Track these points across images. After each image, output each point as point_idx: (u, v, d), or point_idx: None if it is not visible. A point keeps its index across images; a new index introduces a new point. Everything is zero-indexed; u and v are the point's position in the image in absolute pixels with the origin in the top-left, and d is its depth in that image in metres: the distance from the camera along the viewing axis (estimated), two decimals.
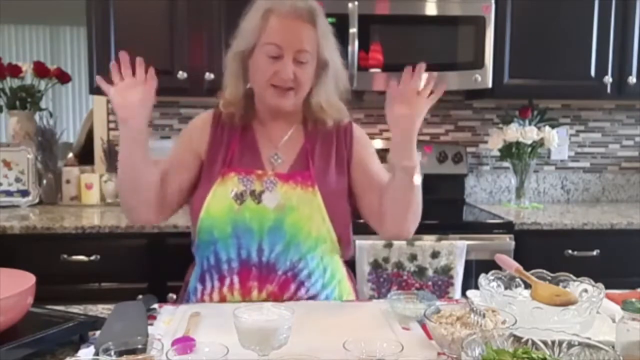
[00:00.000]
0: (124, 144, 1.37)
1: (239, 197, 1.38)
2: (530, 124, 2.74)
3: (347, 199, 1.48)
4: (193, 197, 1.45)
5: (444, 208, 2.81)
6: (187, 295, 1.49)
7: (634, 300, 0.96)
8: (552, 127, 2.74)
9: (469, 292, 1.34)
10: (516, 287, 1.23)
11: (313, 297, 1.41)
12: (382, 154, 2.86)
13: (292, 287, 1.39)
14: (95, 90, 2.54)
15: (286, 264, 1.39)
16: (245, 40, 1.41)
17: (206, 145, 1.46)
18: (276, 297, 1.37)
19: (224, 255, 1.40)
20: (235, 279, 1.39)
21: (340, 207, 1.45)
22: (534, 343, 0.89)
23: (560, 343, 0.88)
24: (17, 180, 2.69)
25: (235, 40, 1.44)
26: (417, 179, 1.34)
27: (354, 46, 2.41)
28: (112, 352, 0.88)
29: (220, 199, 1.39)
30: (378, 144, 2.86)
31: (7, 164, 2.69)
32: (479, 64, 2.53)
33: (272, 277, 1.38)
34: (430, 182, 2.87)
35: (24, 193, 2.68)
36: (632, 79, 2.63)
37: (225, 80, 1.48)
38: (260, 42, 1.38)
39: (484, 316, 1.03)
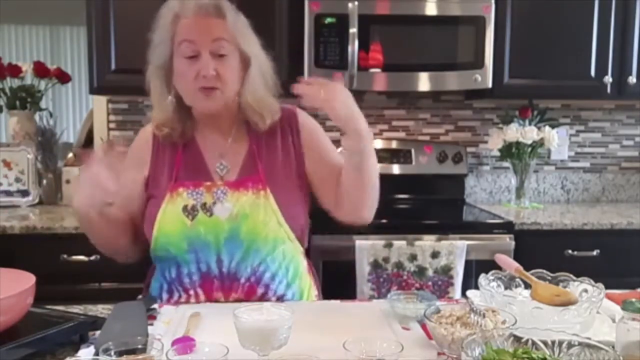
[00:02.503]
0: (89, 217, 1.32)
1: (190, 212, 1.36)
2: (530, 124, 2.74)
3: (301, 190, 1.46)
4: (144, 216, 1.43)
5: (444, 208, 2.81)
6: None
7: (634, 300, 0.95)
8: (552, 127, 2.73)
9: (469, 292, 1.34)
10: (516, 287, 1.23)
11: (281, 297, 1.41)
12: (382, 154, 2.89)
13: (259, 291, 1.38)
14: (95, 90, 2.55)
15: (247, 270, 1.37)
16: (162, 52, 1.39)
17: (148, 167, 1.44)
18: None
19: (184, 269, 1.38)
20: (199, 291, 1.38)
21: (295, 205, 1.43)
22: (534, 343, 0.89)
23: (560, 343, 0.88)
24: (17, 180, 2.69)
25: (153, 56, 1.42)
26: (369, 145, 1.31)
27: (354, 46, 2.41)
28: (112, 352, 0.88)
29: (171, 216, 1.36)
30: (378, 143, 2.86)
31: (7, 164, 2.69)
32: (479, 64, 2.53)
33: (236, 286, 1.37)
34: (430, 182, 2.90)
35: (24, 193, 2.68)
36: (632, 79, 2.63)
37: (152, 100, 1.45)
38: (175, 47, 1.36)
39: (484, 316, 1.03)
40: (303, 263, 1.51)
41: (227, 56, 1.36)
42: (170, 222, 1.36)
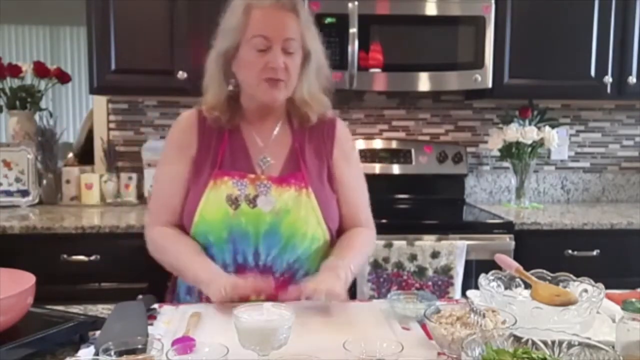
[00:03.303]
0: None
1: (234, 202, 1.37)
2: (530, 124, 2.74)
3: (334, 194, 1.47)
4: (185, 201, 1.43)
5: (444, 208, 2.81)
6: (177, 296, 1.48)
7: (634, 300, 0.96)
8: (552, 127, 2.73)
9: (469, 292, 1.34)
10: (516, 287, 1.23)
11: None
12: (382, 154, 2.89)
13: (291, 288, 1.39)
14: (95, 90, 2.55)
15: (282, 265, 1.39)
16: (229, 39, 1.39)
17: (195, 148, 1.45)
18: (274, 299, 1.36)
19: (219, 260, 1.39)
20: None
21: (333, 207, 1.45)
22: (534, 343, 0.89)
23: (560, 343, 0.88)
24: (17, 180, 2.69)
25: (218, 41, 1.43)
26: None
27: (354, 46, 2.41)
28: (112, 352, 0.88)
29: (215, 204, 1.37)
30: (378, 144, 2.86)
31: (7, 164, 2.69)
32: (479, 64, 2.53)
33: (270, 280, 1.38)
34: (430, 182, 2.90)
35: (24, 193, 2.68)
36: (632, 79, 2.63)
37: (207, 83, 1.46)
38: (245, 37, 1.37)
39: (484, 316, 1.03)
40: None
41: (294, 54, 1.38)
42: (212, 209, 1.37)
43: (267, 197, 1.38)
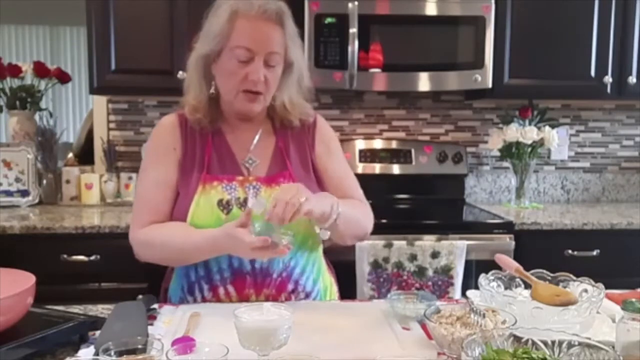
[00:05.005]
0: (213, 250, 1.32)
1: (225, 207, 1.36)
2: (530, 124, 2.74)
3: (319, 189, 1.45)
4: (174, 208, 1.41)
5: (444, 208, 2.81)
6: (169, 301, 1.46)
7: (634, 300, 0.96)
8: (552, 127, 2.74)
9: (469, 292, 1.34)
10: (516, 287, 1.23)
11: (309, 294, 1.42)
12: (382, 154, 2.89)
13: (289, 287, 1.39)
14: (95, 90, 2.55)
15: (279, 265, 1.38)
16: (212, 44, 1.37)
17: (180, 151, 1.43)
18: (274, 299, 1.37)
19: (214, 265, 1.37)
20: (231, 289, 1.37)
21: None
22: (534, 343, 0.89)
23: (560, 343, 0.88)
24: (17, 180, 2.69)
25: (200, 43, 1.41)
26: (324, 234, 1.30)
27: (354, 46, 2.41)
28: (112, 352, 0.88)
29: (206, 209, 1.35)
30: (378, 143, 2.86)
31: (7, 164, 2.69)
32: (479, 64, 2.53)
33: (268, 282, 1.37)
34: (430, 182, 2.90)
35: (24, 193, 2.68)
36: (632, 79, 2.63)
37: (188, 84, 1.45)
38: (228, 45, 1.35)
39: (484, 316, 1.03)
40: (323, 262, 1.52)
41: (276, 66, 1.38)
42: (204, 215, 1.35)
43: (258, 199, 1.35)
